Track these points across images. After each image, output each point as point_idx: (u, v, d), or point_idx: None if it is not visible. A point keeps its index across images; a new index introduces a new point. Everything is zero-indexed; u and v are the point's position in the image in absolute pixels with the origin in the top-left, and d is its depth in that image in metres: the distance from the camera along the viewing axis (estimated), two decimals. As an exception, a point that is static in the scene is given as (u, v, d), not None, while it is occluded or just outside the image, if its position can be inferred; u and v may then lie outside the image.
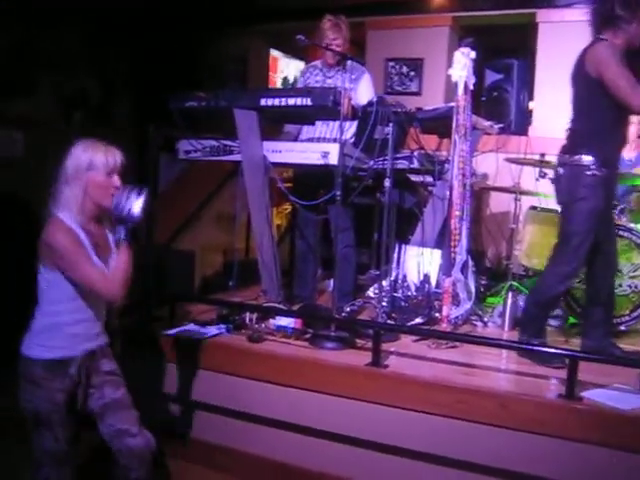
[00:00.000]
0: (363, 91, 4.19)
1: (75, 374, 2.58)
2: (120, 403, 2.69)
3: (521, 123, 5.64)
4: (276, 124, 4.46)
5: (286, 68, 8.66)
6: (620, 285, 3.98)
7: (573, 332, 3.92)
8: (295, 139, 4.34)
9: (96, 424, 2.68)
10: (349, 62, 3.78)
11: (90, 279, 2.46)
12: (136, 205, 2.45)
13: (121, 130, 7.14)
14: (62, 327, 2.55)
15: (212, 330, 3.66)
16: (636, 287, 4.00)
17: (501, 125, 4.77)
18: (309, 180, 4.09)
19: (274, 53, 8.32)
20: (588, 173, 3.27)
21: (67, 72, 6.67)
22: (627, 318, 4.01)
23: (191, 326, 3.72)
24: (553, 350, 3.36)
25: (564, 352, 3.22)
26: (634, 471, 2.70)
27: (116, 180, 2.55)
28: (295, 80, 5.45)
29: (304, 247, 4.43)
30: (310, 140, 4.28)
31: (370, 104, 3.67)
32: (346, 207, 3.77)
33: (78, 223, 2.51)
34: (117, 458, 2.64)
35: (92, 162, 2.51)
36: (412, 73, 6.46)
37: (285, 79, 8.66)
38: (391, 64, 6.54)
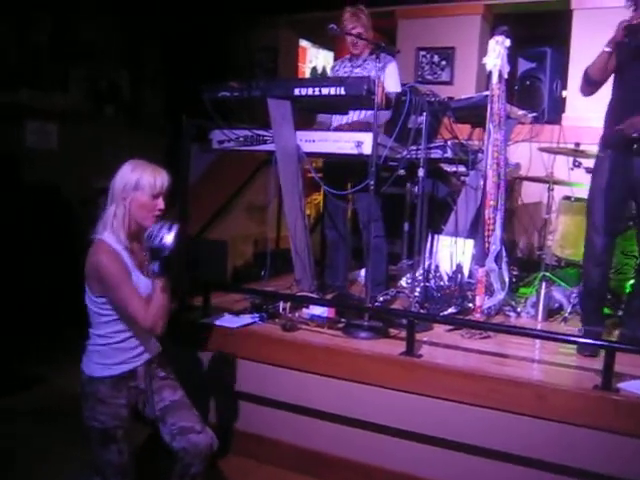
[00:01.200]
0: (388, 79, 4.15)
1: (139, 384, 2.67)
2: (180, 403, 2.75)
3: (554, 112, 5.56)
4: (309, 113, 4.46)
5: (315, 58, 8.66)
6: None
7: (608, 323, 3.89)
8: (328, 129, 4.34)
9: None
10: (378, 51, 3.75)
11: (131, 307, 2.50)
12: (168, 237, 2.47)
13: (153, 122, 7.20)
14: (119, 345, 2.61)
15: (246, 319, 3.68)
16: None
17: (534, 114, 4.72)
18: (338, 169, 4.09)
19: (303, 43, 8.31)
20: None
21: (99, 66, 6.74)
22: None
23: (225, 315, 3.75)
24: (590, 341, 3.34)
25: (601, 343, 3.20)
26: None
27: (160, 203, 2.60)
28: (324, 71, 5.46)
29: (335, 236, 4.44)
30: (339, 128, 4.27)
31: (404, 93, 3.65)
32: (376, 197, 3.76)
33: (122, 243, 2.56)
34: (180, 457, 2.67)
35: (139, 182, 2.55)
36: (443, 62, 6.43)
37: (314, 69, 8.66)
38: (422, 53, 6.51)
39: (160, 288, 2.54)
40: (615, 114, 3.41)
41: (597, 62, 3.36)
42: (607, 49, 3.26)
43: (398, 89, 4.02)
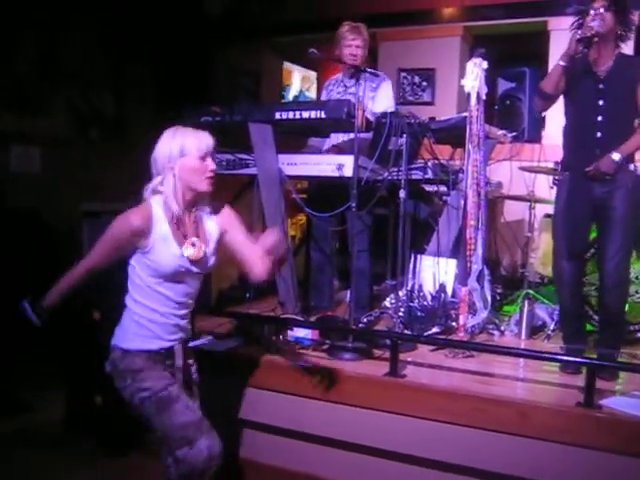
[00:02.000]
0: (382, 98, 4.20)
1: (176, 362, 2.60)
2: None
3: (534, 131, 5.65)
4: (291, 137, 4.49)
5: (298, 81, 8.70)
6: (637, 292, 3.98)
7: (590, 340, 3.91)
8: (320, 151, 4.36)
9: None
10: (366, 73, 3.78)
11: (89, 257, 2.48)
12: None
13: (138, 144, 7.21)
14: (154, 317, 2.52)
15: (230, 342, 3.69)
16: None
17: (514, 133, 4.78)
18: (324, 191, 4.11)
19: (287, 65, 8.36)
20: None
21: (82, 89, 6.74)
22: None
23: (209, 339, 3.75)
24: (570, 358, 3.38)
25: (581, 360, 3.23)
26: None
27: (211, 164, 2.50)
28: (300, 92, 5.49)
29: (320, 258, 4.45)
30: (329, 151, 4.29)
31: (384, 115, 3.69)
32: (365, 215, 3.78)
33: (171, 213, 2.47)
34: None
35: (184, 147, 2.45)
36: (424, 83, 6.49)
37: (301, 91, 8.70)
38: (403, 74, 6.56)
39: None
40: (570, 139, 3.50)
41: (551, 76, 3.40)
42: (562, 63, 3.30)
43: (393, 108, 4.05)
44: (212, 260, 2.64)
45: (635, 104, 3.31)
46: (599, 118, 3.31)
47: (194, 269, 2.56)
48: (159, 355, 2.54)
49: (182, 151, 2.45)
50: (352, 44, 4.16)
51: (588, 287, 3.96)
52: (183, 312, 2.61)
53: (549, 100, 3.49)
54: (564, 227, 3.44)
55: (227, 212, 2.69)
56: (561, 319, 3.76)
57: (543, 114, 5.68)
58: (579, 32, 3.24)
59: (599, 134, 3.31)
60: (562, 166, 3.57)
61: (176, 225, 2.50)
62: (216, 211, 2.66)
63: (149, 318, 2.52)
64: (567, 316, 3.61)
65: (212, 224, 2.64)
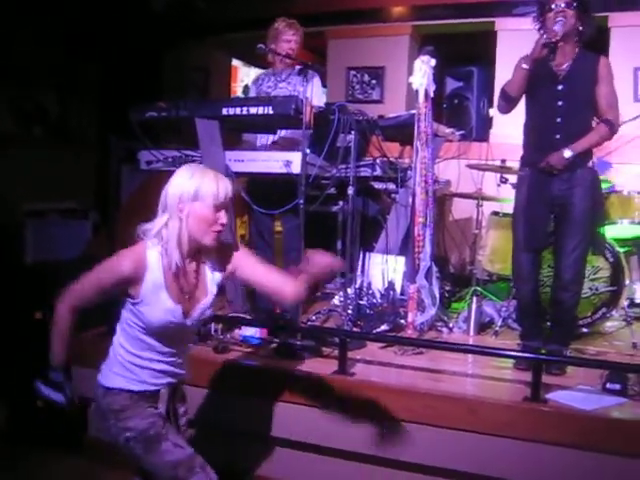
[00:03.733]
0: (316, 93, 4.16)
1: (159, 407, 2.36)
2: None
3: (482, 130, 5.71)
4: (237, 133, 4.44)
5: (247, 77, 8.65)
6: (590, 289, 4.02)
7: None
8: (254, 148, 4.32)
9: None
10: (301, 68, 3.75)
11: (79, 284, 2.21)
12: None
13: (81, 143, 7.07)
14: (142, 362, 2.30)
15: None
16: (597, 289, 4.04)
17: (462, 132, 4.81)
18: (263, 188, 4.05)
19: (235, 62, 8.31)
20: None
21: (25, 86, 6.59)
22: (589, 320, 4.05)
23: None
24: (518, 354, 3.41)
25: (528, 355, 3.26)
26: (600, 470, 2.73)
27: (223, 217, 2.21)
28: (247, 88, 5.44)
29: (263, 256, 4.37)
30: (263, 146, 4.26)
31: (332, 112, 3.67)
32: (300, 221, 3.66)
33: (169, 261, 2.20)
34: None
35: (199, 191, 2.16)
36: (373, 81, 6.49)
37: (246, 87, 8.64)
38: (352, 73, 6.56)
39: None
40: (529, 138, 3.53)
41: (514, 79, 3.42)
42: (525, 66, 3.33)
43: (322, 103, 4.03)
44: (208, 312, 2.42)
45: (593, 104, 3.35)
46: (558, 120, 3.35)
47: (188, 323, 2.32)
48: (143, 396, 2.31)
49: (196, 195, 2.17)
50: (292, 39, 4.18)
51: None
52: (172, 359, 2.36)
53: (513, 102, 3.51)
54: (524, 223, 3.47)
55: (235, 253, 2.43)
56: (519, 315, 3.78)
57: (491, 114, 5.77)
58: (544, 37, 3.24)
59: (558, 136, 3.35)
60: (522, 162, 3.58)
61: (174, 276, 2.24)
62: (224, 256, 2.41)
63: (133, 362, 2.30)
64: (525, 312, 3.63)
65: (216, 273, 2.40)
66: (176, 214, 2.17)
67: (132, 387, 2.29)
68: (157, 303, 2.21)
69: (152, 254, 2.20)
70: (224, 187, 2.20)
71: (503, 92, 3.50)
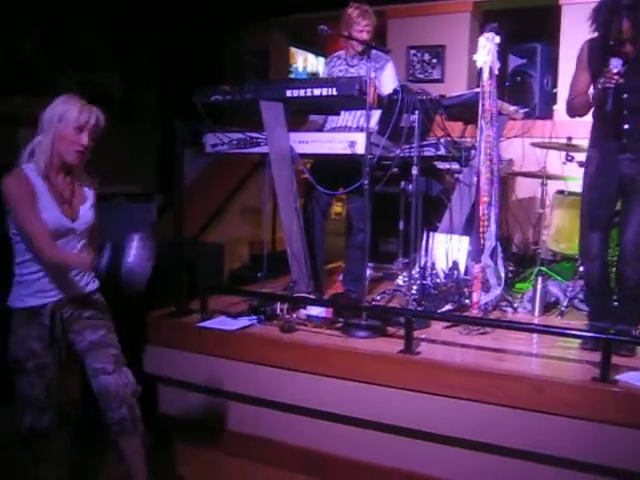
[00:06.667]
0: (387, 79, 4.22)
1: (48, 323, 2.65)
2: (98, 344, 2.73)
3: (546, 107, 5.62)
4: (302, 115, 4.47)
5: (303, 60, 8.68)
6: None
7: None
8: (320, 128, 4.35)
9: None
10: (373, 51, 3.77)
11: (31, 231, 2.52)
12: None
13: (144, 126, 7.21)
14: (32, 277, 2.62)
15: (244, 321, 3.69)
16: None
17: (526, 110, 4.74)
18: (328, 169, 4.08)
19: (291, 46, 8.34)
20: None
21: (89, 70, 6.73)
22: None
23: (223, 318, 3.76)
24: (586, 333, 3.37)
25: (597, 335, 3.22)
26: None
27: (84, 138, 2.58)
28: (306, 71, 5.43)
29: (318, 237, 4.38)
30: (334, 130, 4.28)
31: (395, 92, 3.67)
32: (365, 202, 3.68)
33: (42, 174, 2.58)
34: (98, 402, 2.67)
35: (64, 114, 2.56)
36: (434, 60, 6.44)
37: (312, 73, 8.66)
38: (413, 52, 6.52)
39: (81, 258, 2.66)
40: (599, 127, 3.46)
41: (580, 104, 3.48)
42: (589, 99, 3.39)
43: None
44: (90, 216, 2.75)
45: None
46: (625, 112, 3.29)
47: (75, 226, 2.67)
48: (34, 312, 2.63)
49: (61, 117, 2.56)
50: (364, 29, 4.18)
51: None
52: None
53: (581, 115, 3.55)
54: (593, 201, 3.44)
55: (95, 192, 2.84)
56: (587, 295, 3.73)
57: (555, 91, 5.67)
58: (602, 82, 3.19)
59: (626, 126, 3.30)
60: (591, 142, 3.53)
61: (51, 185, 2.61)
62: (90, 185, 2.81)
63: (32, 276, 2.63)
64: (593, 292, 3.58)
65: (88, 189, 2.79)
66: (45, 133, 2.57)
67: (22, 305, 2.63)
68: (46, 206, 2.57)
69: (29, 168, 2.59)
70: (87, 114, 2.58)
71: (570, 109, 3.56)
